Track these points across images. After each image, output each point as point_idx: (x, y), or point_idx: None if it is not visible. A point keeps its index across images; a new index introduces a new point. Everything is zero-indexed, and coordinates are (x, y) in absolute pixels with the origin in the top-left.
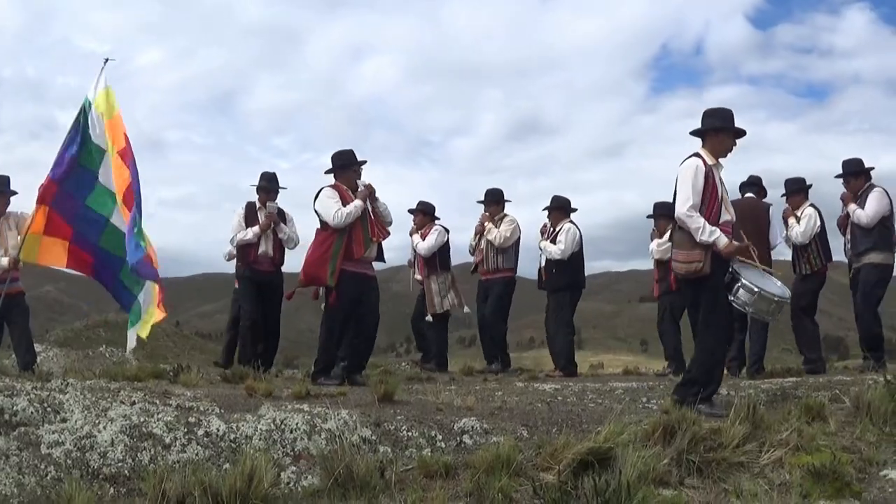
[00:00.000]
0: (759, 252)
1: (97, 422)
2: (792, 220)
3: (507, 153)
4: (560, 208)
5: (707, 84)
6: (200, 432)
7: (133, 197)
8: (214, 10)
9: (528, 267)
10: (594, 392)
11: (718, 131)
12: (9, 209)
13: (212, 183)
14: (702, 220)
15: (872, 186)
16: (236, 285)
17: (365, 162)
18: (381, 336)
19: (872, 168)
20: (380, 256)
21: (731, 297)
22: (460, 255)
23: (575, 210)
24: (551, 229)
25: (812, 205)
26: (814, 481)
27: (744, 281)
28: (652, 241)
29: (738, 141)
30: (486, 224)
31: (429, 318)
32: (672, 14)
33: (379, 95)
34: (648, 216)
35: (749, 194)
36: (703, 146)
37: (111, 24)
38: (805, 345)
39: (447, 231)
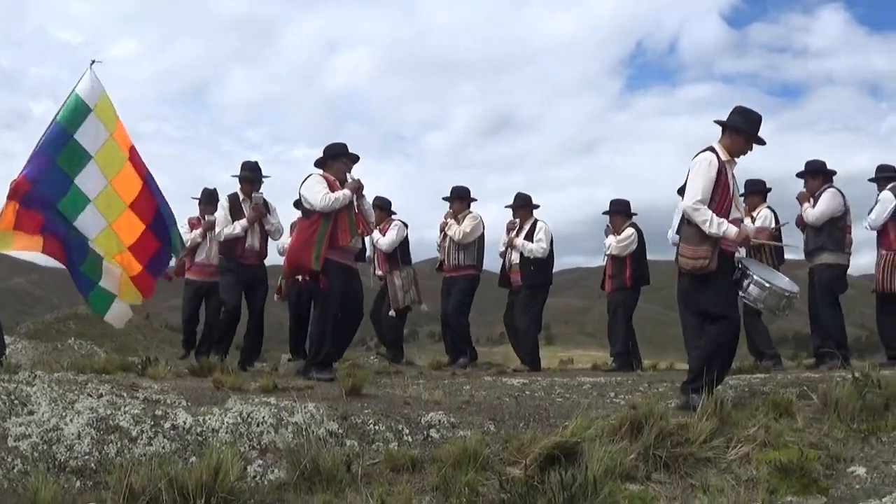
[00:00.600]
0: None
1: (64, 414)
2: (748, 221)
3: (481, 148)
4: (527, 206)
5: (681, 82)
6: (167, 425)
7: (153, 206)
8: (191, 2)
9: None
10: (562, 387)
11: (740, 132)
12: None
13: (184, 175)
14: (709, 212)
15: (829, 187)
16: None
17: (358, 158)
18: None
19: (835, 172)
20: (360, 256)
21: (741, 293)
22: (431, 251)
23: (537, 207)
24: (519, 227)
25: (769, 207)
26: (781, 477)
27: (755, 277)
28: (607, 237)
29: (706, 137)
30: (447, 220)
31: (392, 312)
32: (647, 12)
33: (353, 89)
34: (604, 212)
35: None
36: (720, 140)
37: (87, 14)
38: (762, 343)
39: (406, 226)
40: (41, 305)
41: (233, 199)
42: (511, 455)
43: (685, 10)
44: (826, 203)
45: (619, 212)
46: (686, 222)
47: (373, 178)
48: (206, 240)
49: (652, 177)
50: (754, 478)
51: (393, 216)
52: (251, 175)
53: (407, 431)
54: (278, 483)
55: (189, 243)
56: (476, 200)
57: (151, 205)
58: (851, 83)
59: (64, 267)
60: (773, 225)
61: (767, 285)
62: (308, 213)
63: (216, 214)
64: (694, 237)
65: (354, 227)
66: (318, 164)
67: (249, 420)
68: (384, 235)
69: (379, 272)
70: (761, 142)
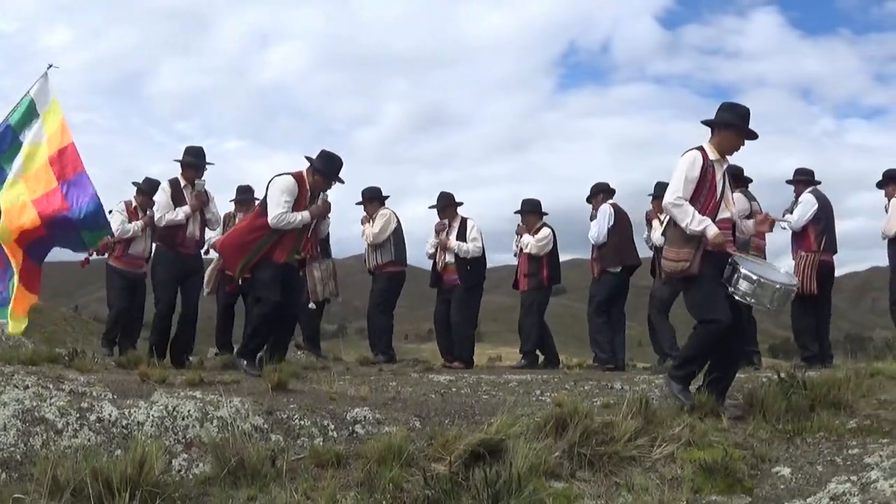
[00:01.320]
0: None
1: None
2: (656, 223)
3: (412, 144)
4: (451, 205)
5: (613, 82)
6: (93, 418)
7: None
8: None
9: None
10: (488, 384)
11: (729, 127)
12: None
13: (115, 167)
14: (690, 208)
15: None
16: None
17: (343, 182)
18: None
19: (750, 180)
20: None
21: (730, 289)
22: (359, 246)
23: (461, 204)
24: (448, 227)
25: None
26: (705, 476)
27: (743, 271)
28: (520, 236)
29: (637, 137)
30: (363, 224)
31: (312, 305)
32: (581, 12)
33: (285, 83)
34: (515, 212)
35: None
36: (710, 140)
37: (20, 2)
38: (666, 343)
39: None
40: None
41: (174, 184)
42: (436, 452)
43: (619, 11)
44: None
45: (532, 211)
46: (672, 224)
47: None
48: (144, 233)
49: (582, 175)
50: (679, 477)
51: None
52: (195, 161)
53: (332, 427)
54: (203, 477)
55: (122, 232)
56: (389, 197)
57: (55, 206)
58: (784, 86)
59: None
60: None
61: (755, 278)
62: (264, 211)
63: (156, 198)
64: (677, 239)
65: (297, 250)
66: (312, 168)
67: (175, 414)
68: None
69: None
70: (753, 135)
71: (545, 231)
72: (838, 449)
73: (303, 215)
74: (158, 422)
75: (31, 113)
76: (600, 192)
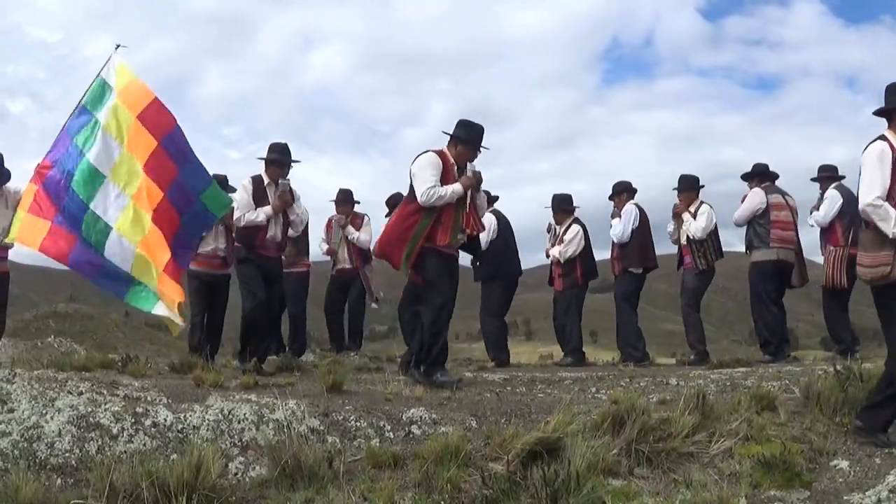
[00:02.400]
0: None
1: (44, 412)
2: (687, 216)
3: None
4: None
5: (657, 76)
6: (148, 423)
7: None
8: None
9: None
10: (543, 382)
11: None
12: (8, 185)
13: None
14: (893, 211)
15: (755, 188)
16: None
17: (487, 149)
18: (325, 326)
19: (776, 175)
20: (475, 250)
21: None
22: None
23: (496, 198)
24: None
25: (704, 202)
26: (764, 471)
27: None
28: (549, 233)
29: (682, 130)
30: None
31: (374, 304)
32: (623, 5)
33: (328, 85)
34: (545, 207)
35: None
36: (890, 127)
37: (62, 12)
38: (696, 338)
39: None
40: (20, 303)
41: (257, 182)
42: (493, 451)
43: (661, 4)
44: (744, 203)
45: (562, 209)
46: (864, 225)
47: (348, 175)
48: (216, 230)
49: (628, 170)
50: (737, 472)
51: (355, 209)
52: (280, 157)
53: (388, 428)
54: (260, 480)
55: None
56: (359, 203)
57: (166, 169)
58: (827, 75)
59: (45, 263)
60: (711, 222)
61: None
62: (413, 197)
63: (236, 197)
64: (872, 242)
65: (460, 225)
66: (451, 140)
67: (230, 417)
68: (358, 230)
69: (347, 265)
70: None
71: (573, 231)
72: None
73: (453, 188)
74: (214, 425)
75: (103, 92)
76: (623, 192)
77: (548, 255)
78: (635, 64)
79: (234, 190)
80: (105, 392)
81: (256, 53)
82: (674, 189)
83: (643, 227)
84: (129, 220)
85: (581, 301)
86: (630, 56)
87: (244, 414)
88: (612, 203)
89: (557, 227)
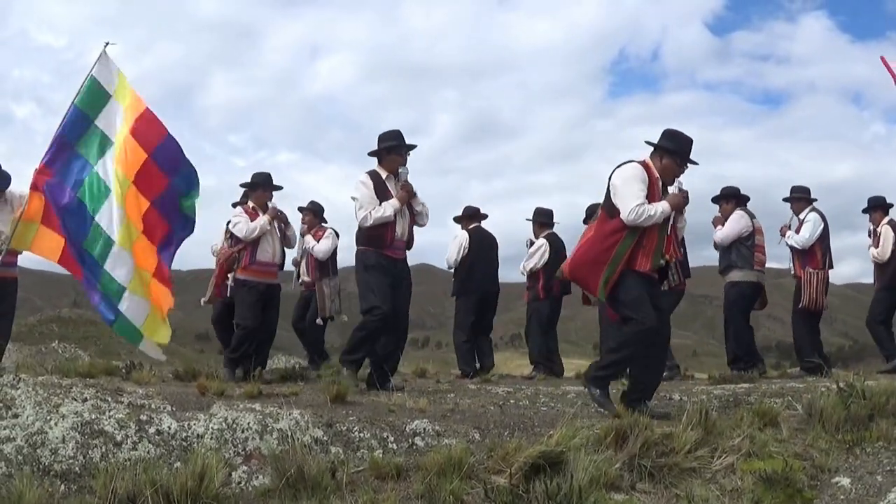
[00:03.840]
0: None
1: (49, 418)
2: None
3: (463, 154)
4: (468, 217)
5: (663, 90)
6: (152, 430)
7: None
8: (171, 5)
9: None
10: (547, 395)
11: None
12: (10, 189)
13: None
14: None
15: (738, 210)
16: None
17: (696, 164)
18: (334, 336)
19: (748, 199)
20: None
21: None
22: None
23: (485, 216)
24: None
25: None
26: (766, 488)
27: None
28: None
29: (696, 146)
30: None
31: (319, 321)
32: (630, 19)
33: (334, 94)
34: (527, 219)
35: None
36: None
37: (68, 17)
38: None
39: (337, 235)
40: (24, 308)
41: (375, 176)
42: (496, 464)
43: (668, 18)
44: (733, 224)
45: (540, 222)
46: None
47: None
48: (272, 234)
49: None
50: (739, 488)
51: (325, 224)
52: (398, 144)
53: (392, 439)
54: (263, 489)
55: (249, 231)
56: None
57: (155, 181)
58: (834, 91)
59: (49, 267)
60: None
61: None
62: (612, 212)
63: (356, 195)
64: None
65: (661, 250)
66: (655, 151)
67: (234, 426)
68: (318, 242)
69: (307, 278)
70: None
71: (538, 244)
72: None
73: (662, 206)
74: (218, 434)
75: (98, 93)
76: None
77: (522, 273)
78: (642, 77)
79: (279, 188)
80: (109, 399)
81: (263, 61)
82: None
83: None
84: (125, 232)
85: (543, 314)
86: (637, 69)
87: (248, 423)
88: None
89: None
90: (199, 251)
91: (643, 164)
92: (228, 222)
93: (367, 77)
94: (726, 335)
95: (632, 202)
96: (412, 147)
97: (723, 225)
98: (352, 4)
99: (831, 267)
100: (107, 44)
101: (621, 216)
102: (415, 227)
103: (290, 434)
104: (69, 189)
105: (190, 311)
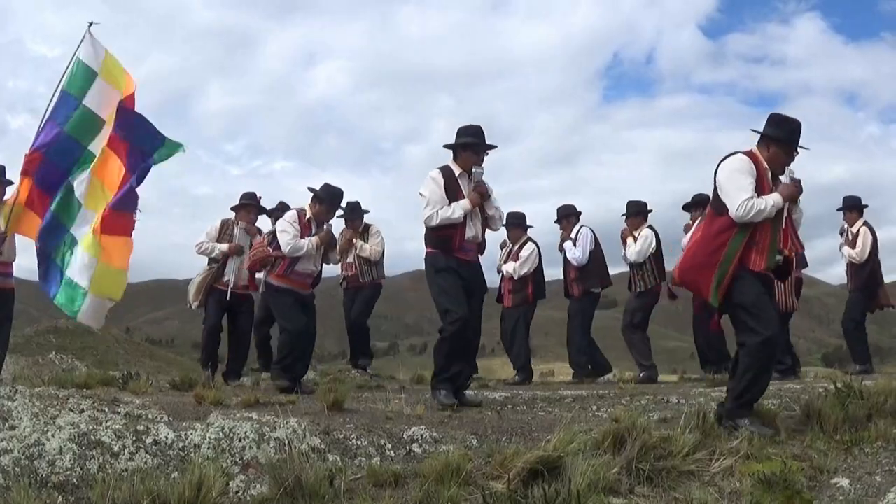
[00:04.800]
0: None
1: (46, 429)
2: (630, 240)
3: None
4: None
5: (658, 93)
6: (149, 440)
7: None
8: (166, 14)
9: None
10: (544, 400)
11: None
12: (5, 197)
13: (162, 187)
14: None
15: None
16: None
17: (806, 149)
18: (331, 343)
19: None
20: (787, 274)
21: None
22: (412, 264)
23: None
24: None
25: (650, 226)
26: (764, 489)
27: None
28: (501, 249)
29: (684, 148)
30: (353, 240)
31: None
32: (624, 23)
33: (331, 101)
34: (503, 224)
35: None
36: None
37: (63, 27)
38: (640, 355)
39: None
40: (21, 318)
41: (447, 173)
42: (494, 469)
43: (662, 21)
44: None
45: (516, 225)
46: None
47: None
48: (318, 252)
49: (630, 187)
50: (738, 490)
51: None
52: (476, 142)
53: (389, 446)
54: (261, 498)
55: (294, 249)
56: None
57: (121, 146)
58: (829, 92)
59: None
60: (649, 246)
61: None
62: (720, 209)
63: (425, 192)
64: None
65: (777, 245)
66: (762, 140)
67: (231, 435)
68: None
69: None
70: None
71: (528, 249)
72: None
73: (774, 199)
74: (215, 444)
75: (84, 74)
76: (570, 215)
77: (499, 272)
78: (637, 81)
79: (342, 210)
80: (106, 410)
81: (259, 69)
82: (622, 214)
83: (599, 248)
84: (92, 194)
85: (529, 318)
86: (631, 73)
87: (245, 432)
88: (623, 222)
89: (511, 244)
90: (197, 259)
91: (749, 154)
92: (269, 212)
93: (363, 84)
94: (696, 337)
95: (740, 197)
96: (492, 147)
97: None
98: (347, 12)
99: (804, 266)
100: (90, 24)
101: (730, 213)
102: (487, 231)
103: (287, 442)
104: (62, 171)
105: (187, 320)
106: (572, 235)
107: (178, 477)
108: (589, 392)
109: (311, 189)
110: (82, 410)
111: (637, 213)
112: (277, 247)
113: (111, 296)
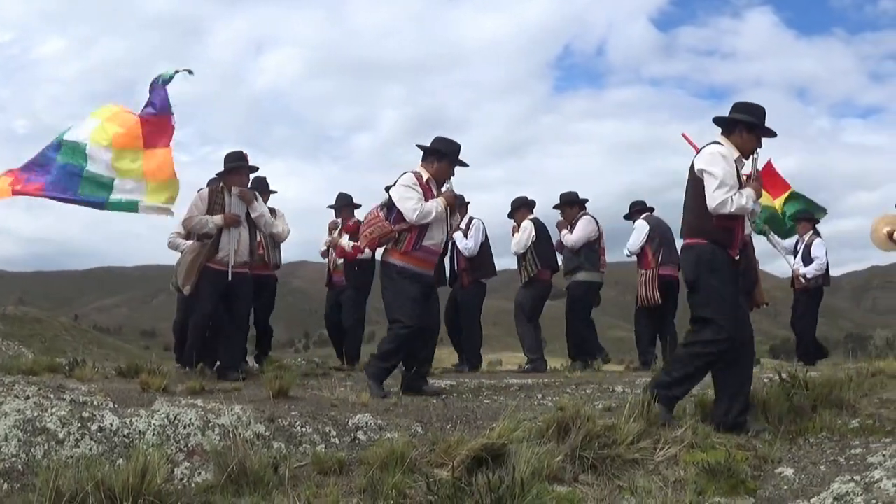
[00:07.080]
0: None
1: None
2: (517, 234)
3: (409, 149)
4: (350, 205)
5: (609, 85)
6: (94, 427)
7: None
8: (117, 0)
9: None
10: (490, 388)
11: None
12: None
13: None
14: None
15: (584, 215)
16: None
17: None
18: (279, 331)
19: (587, 200)
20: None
21: None
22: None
23: (358, 206)
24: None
25: (533, 218)
26: (708, 478)
27: None
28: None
29: (633, 140)
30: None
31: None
32: (576, 14)
33: (280, 89)
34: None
35: None
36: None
37: (13, 12)
38: (528, 349)
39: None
40: None
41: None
42: (438, 457)
43: (613, 13)
44: (582, 229)
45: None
46: None
47: (300, 178)
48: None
49: (579, 178)
50: (682, 479)
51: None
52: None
53: (334, 434)
54: (205, 485)
55: (422, 215)
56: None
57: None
58: (779, 86)
59: None
60: (528, 237)
61: None
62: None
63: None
64: None
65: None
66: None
67: (176, 422)
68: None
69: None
70: None
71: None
72: (841, 449)
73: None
74: (160, 430)
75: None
76: (522, 207)
77: (332, 247)
78: (587, 72)
79: (465, 164)
80: (52, 396)
81: (208, 57)
82: (554, 206)
83: (544, 237)
84: (97, 132)
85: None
86: (582, 65)
87: (190, 419)
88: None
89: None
90: (146, 246)
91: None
92: (388, 187)
93: (313, 73)
94: (568, 331)
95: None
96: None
97: (569, 229)
98: (297, 0)
99: (674, 264)
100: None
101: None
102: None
103: (232, 429)
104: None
105: (136, 308)
106: (463, 225)
107: (122, 464)
108: (535, 381)
109: (421, 147)
110: (28, 397)
111: (521, 206)
112: (399, 220)
113: (166, 202)
